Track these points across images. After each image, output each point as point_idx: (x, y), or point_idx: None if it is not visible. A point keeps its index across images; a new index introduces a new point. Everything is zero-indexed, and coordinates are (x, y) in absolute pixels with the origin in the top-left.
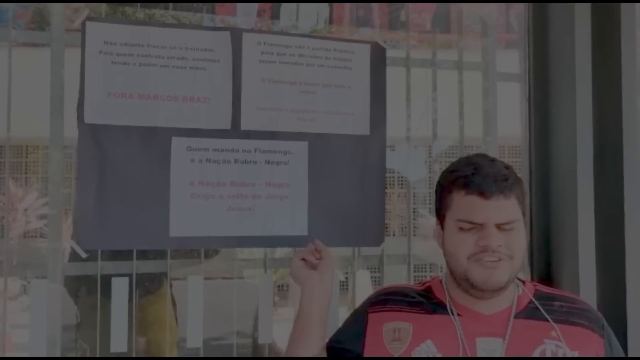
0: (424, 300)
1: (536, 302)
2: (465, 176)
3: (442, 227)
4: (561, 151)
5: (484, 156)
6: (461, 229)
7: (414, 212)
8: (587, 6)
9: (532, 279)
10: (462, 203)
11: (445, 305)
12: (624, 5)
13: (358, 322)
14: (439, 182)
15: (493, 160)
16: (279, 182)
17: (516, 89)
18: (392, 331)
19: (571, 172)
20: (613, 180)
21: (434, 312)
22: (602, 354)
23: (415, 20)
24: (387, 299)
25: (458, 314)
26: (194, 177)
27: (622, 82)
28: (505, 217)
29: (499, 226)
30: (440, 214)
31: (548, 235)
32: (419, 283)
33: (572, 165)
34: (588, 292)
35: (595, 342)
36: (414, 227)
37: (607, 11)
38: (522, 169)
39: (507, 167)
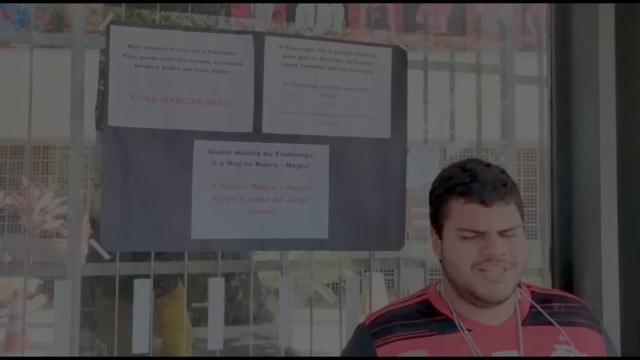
0: (428, 319)
1: (537, 306)
2: (464, 183)
3: (440, 237)
4: (584, 155)
5: (478, 161)
6: (463, 238)
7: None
8: (610, 7)
9: (553, 285)
10: (463, 211)
11: (453, 321)
12: None
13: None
14: (433, 190)
15: (488, 165)
16: (300, 185)
17: (533, 92)
18: None
19: (594, 177)
20: (637, 185)
21: (443, 331)
22: (603, 350)
23: (430, 22)
24: (389, 327)
25: (468, 329)
26: (215, 179)
27: None
28: (507, 224)
29: (501, 233)
30: (438, 223)
31: (570, 241)
32: (411, 296)
33: (594, 169)
34: (611, 297)
35: (596, 339)
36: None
37: (631, 12)
38: (540, 172)
39: (503, 171)
